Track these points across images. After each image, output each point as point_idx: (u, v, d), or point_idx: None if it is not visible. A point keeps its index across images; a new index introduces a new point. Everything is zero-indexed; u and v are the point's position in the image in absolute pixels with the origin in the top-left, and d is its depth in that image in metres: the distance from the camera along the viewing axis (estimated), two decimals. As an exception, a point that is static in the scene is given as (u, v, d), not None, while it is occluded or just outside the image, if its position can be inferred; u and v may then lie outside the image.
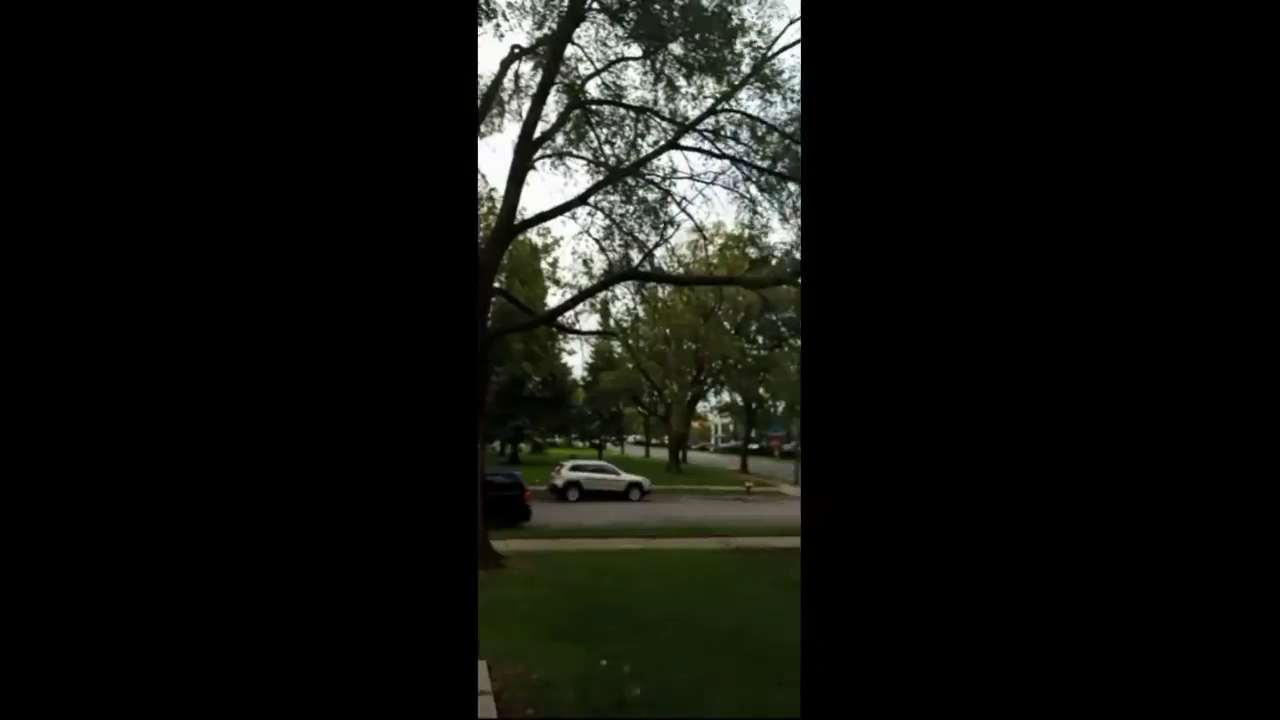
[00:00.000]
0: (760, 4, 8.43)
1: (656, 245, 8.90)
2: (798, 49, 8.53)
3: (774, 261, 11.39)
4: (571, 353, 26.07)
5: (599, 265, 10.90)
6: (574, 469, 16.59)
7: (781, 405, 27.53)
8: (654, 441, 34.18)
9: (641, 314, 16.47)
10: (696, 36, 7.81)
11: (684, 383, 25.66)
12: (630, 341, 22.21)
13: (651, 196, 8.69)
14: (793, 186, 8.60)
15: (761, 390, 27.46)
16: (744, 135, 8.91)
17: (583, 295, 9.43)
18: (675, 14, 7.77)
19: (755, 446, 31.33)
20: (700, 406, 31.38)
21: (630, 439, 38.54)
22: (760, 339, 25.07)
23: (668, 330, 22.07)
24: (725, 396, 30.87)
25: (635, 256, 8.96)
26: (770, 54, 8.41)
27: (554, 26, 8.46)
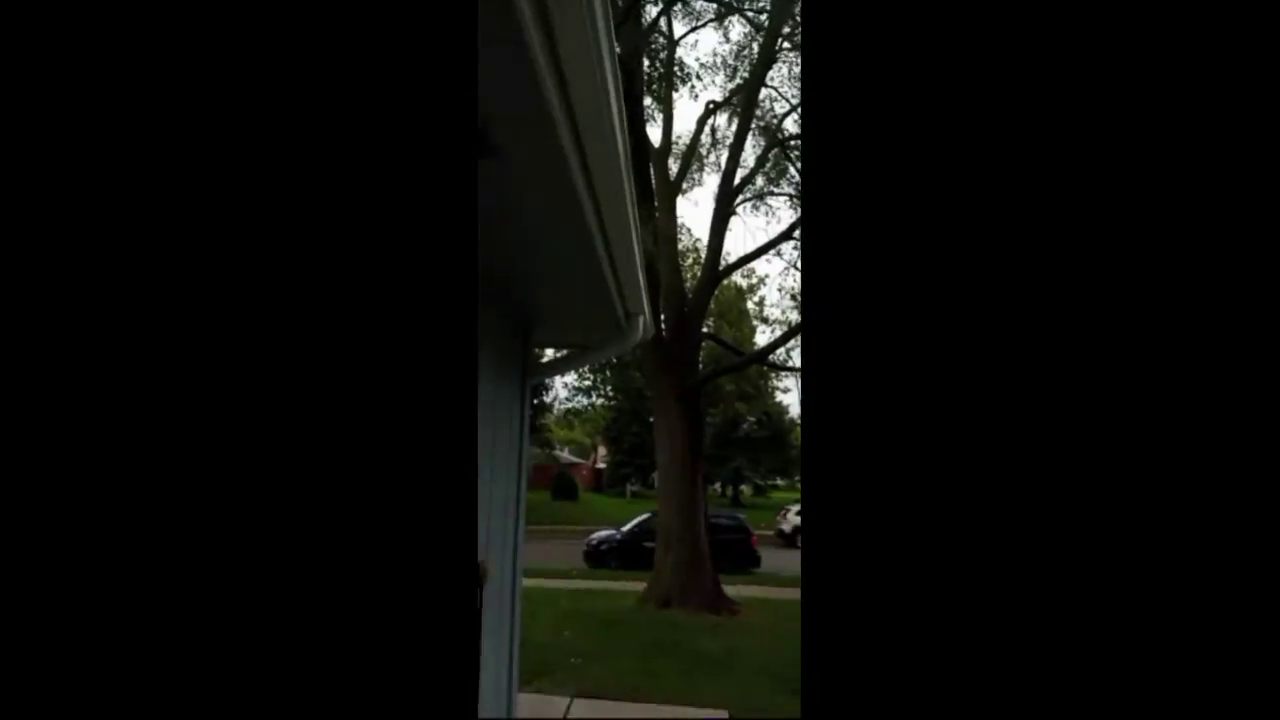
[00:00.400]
0: None
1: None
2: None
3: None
4: (786, 391, 25.35)
5: (810, 298, 10.45)
6: (800, 513, 15.84)
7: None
8: (889, 482, 30.85)
9: (862, 344, 15.31)
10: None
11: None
12: (851, 374, 20.74)
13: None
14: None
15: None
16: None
17: (793, 331, 9.16)
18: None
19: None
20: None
21: (860, 480, 35.44)
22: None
23: (894, 359, 20.11)
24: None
25: (850, 283, 8.45)
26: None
27: (745, 75, 8.71)
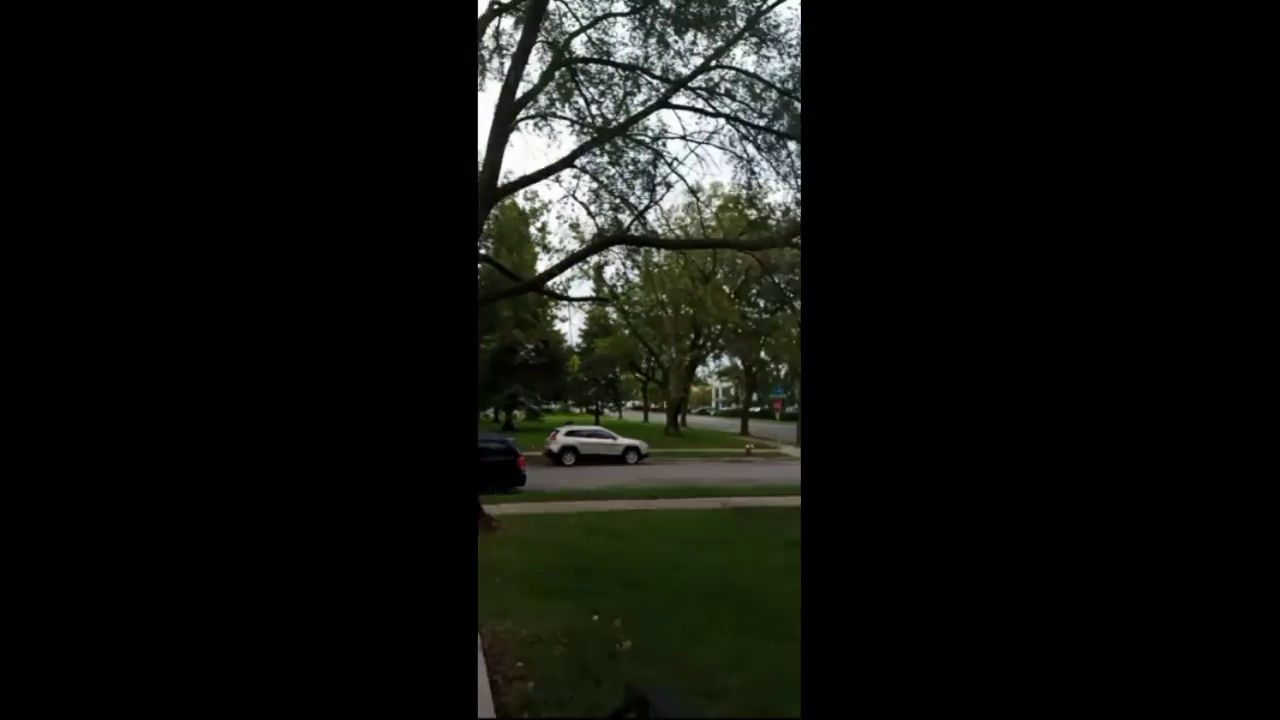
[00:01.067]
0: (755, -49, 8.06)
1: (646, 208, 8.76)
2: (793, 1, 8.18)
3: (773, 223, 11.24)
4: (564, 320, 26.01)
5: (589, 229, 10.72)
6: (569, 434, 16.74)
7: (784, 368, 27.60)
8: (653, 407, 34.44)
9: (635, 278, 16.32)
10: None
11: (682, 347, 25.67)
12: (625, 307, 22.09)
13: (643, 157, 8.51)
14: (792, 145, 8.41)
15: (763, 353, 27.49)
16: (740, 93, 8.68)
17: (571, 260, 9.33)
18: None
19: (756, 409, 31.57)
20: (700, 371, 31.46)
21: (629, 405, 38.80)
22: (761, 302, 24.95)
23: (664, 295, 21.97)
24: (725, 360, 30.94)
25: (625, 219, 8.83)
26: (765, 6, 8.12)
27: (536, -22, 8.12)
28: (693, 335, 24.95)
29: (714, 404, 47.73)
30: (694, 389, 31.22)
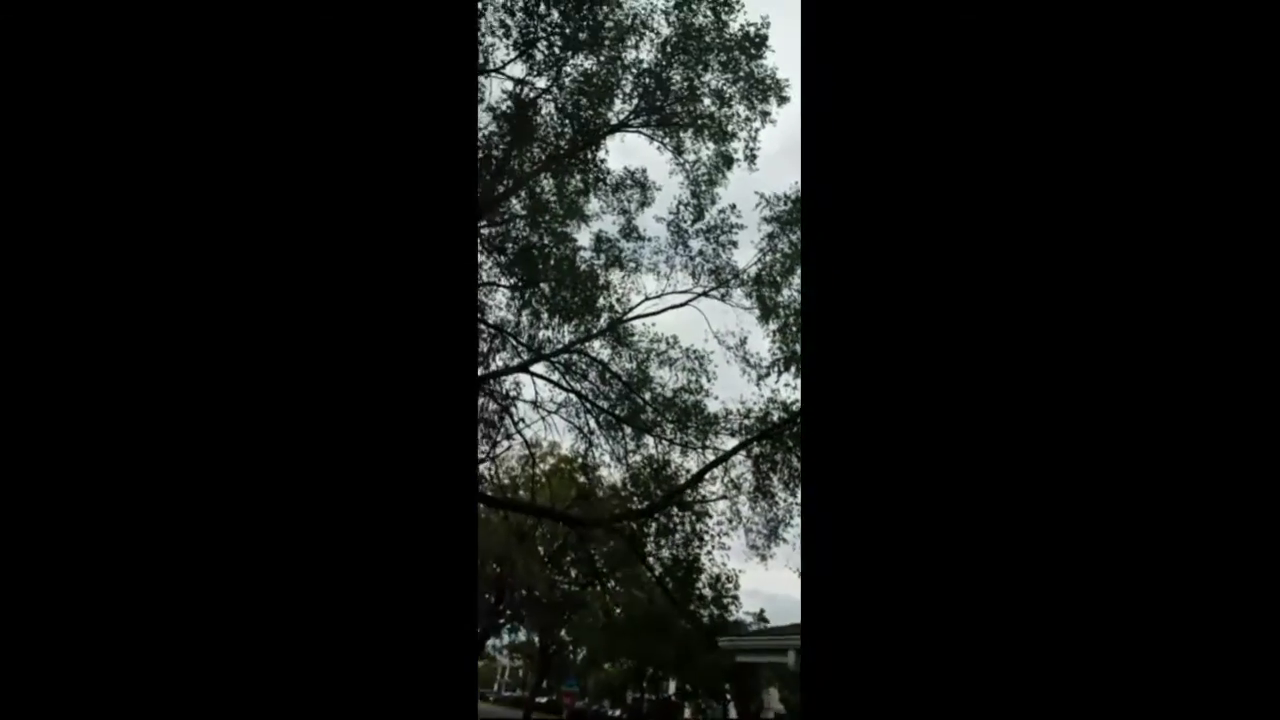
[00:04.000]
0: (625, 275, 9.98)
1: (482, 460, 8.67)
2: (655, 318, 9.86)
3: (600, 494, 11.49)
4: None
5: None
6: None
7: (583, 653, 25.13)
8: (424, 681, 28.41)
9: (449, 523, 15.05)
10: (567, 284, 8.87)
11: (480, 609, 22.82)
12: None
13: (491, 406, 8.74)
14: (628, 429, 9.21)
15: (564, 632, 25.16)
16: (592, 375, 9.70)
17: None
18: (551, 262, 8.89)
19: (544, 699, 27.40)
20: (489, 643, 27.53)
21: (396, 673, 31.84)
22: (574, 572, 23.85)
23: (475, 546, 20.25)
24: (521, 635, 27.67)
25: (456, 462, 8.56)
26: (626, 316, 9.72)
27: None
28: (494, 598, 22.52)
29: (497, 685, 40.85)
30: (479, 663, 26.86)
